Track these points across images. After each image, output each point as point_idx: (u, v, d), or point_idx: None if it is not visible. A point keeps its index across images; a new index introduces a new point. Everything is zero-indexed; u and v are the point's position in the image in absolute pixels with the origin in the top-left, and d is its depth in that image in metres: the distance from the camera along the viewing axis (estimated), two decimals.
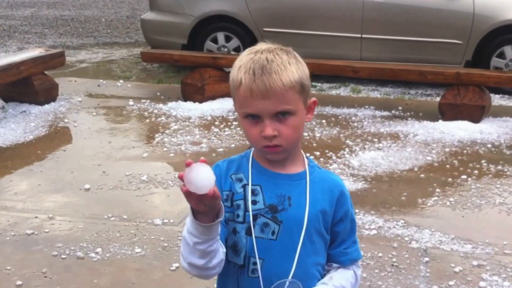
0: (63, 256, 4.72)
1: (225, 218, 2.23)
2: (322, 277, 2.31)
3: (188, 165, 1.93)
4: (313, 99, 2.26)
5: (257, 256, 2.21)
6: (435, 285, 4.47)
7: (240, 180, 2.26)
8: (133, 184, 6.09)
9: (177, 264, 4.59)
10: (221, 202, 2.04)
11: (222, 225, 2.20)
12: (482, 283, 4.50)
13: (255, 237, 2.22)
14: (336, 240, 2.34)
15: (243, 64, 2.14)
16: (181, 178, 1.94)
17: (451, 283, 4.50)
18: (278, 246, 2.22)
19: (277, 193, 2.24)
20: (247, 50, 2.19)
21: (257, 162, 2.28)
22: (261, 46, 2.19)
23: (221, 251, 2.16)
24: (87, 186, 6.00)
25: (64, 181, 6.16)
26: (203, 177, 1.93)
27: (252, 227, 2.21)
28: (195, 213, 2.04)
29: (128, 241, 4.98)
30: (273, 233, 2.22)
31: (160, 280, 4.45)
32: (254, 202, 2.23)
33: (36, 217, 5.34)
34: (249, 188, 2.24)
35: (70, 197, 5.81)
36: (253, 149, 2.30)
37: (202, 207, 2.00)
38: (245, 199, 2.24)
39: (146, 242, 4.97)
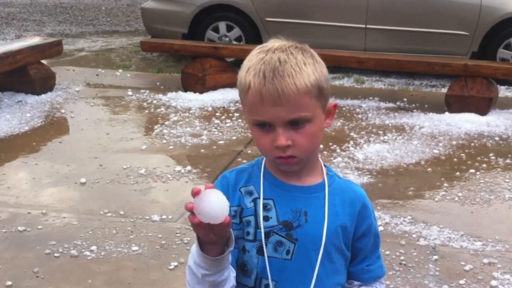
0: (56, 255, 4.51)
1: (235, 235, 2.01)
2: None
3: (196, 193, 1.74)
4: (333, 102, 2.02)
5: (269, 278, 2.00)
6: (445, 284, 4.28)
7: (250, 193, 2.04)
8: (131, 178, 5.88)
9: (175, 263, 4.39)
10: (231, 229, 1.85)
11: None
12: (493, 282, 4.31)
13: (268, 256, 1.99)
14: (357, 256, 2.12)
15: (252, 66, 1.90)
16: (191, 210, 1.74)
17: (461, 282, 4.31)
18: (294, 267, 2.00)
19: (292, 207, 2.00)
20: (258, 48, 1.96)
21: (269, 172, 2.06)
22: (273, 43, 1.95)
23: (232, 276, 1.95)
24: (83, 180, 5.78)
25: (60, 175, 5.94)
26: (217, 206, 1.74)
27: (264, 245, 1.99)
28: (202, 244, 1.85)
29: (124, 238, 4.77)
30: (287, 252, 1.99)
31: (157, 280, 4.24)
32: (266, 218, 2.00)
33: (29, 213, 5.13)
34: (261, 202, 2.02)
35: (65, 191, 5.60)
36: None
37: (212, 238, 1.81)
38: (256, 214, 2.01)
39: (143, 239, 4.75)
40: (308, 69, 1.88)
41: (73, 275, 4.27)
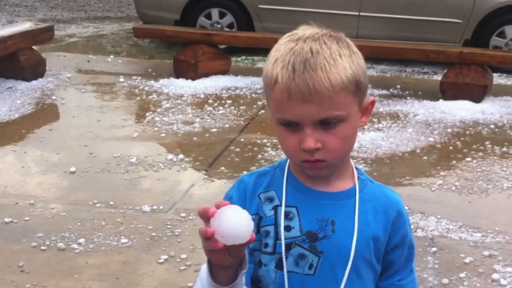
0: (42, 248, 4.25)
1: (251, 247, 1.77)
2: None
3: (212, 215, 1.51)
4: (371, 98, 1.76)
5: None
6: (444, 277, 4.06)
7: (271, 200, 1.78)
8: (122, 167, 5.62)
9: (165, 256, 4.15)
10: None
11: (249, 253, 1.76)
12: (495, 275, 4.09)
13: (287, 271, 1.74)
14: (388, 270, 1.85)
15: (280, 57, 1.63)
16: (212, 235, 1.50)
17: (461, 275, 4.09)
18: (316, 283, 1.74)
19: (317, 216, 1.74)
20: (286, 36, 1.68)
21: (294, 176, 1.79)
22: (304, 31, 1.67)
23: None
24: (72, 168, 5.52)
25: (49, 163, 5.68)
26: (242, 224, 1.52)
27: (284, 259, 1.73)
28: (213, 268, 1.62)
29: (113, 230, 4.51)
30: (310, 266, 1.73)
31: (147, 274, 3.99)
32: (287, 228, 1.74)
33: (16, 203, 4.86)
34: (282, 210, 1.76)
35: (54, 180, 5.34)
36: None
37: (228, 260, 1.57)
38: (276, 224, 1.75)
39: (133, 231, 4.50)
40: (344, 61, 1.61)
41: (60, 270, 4.02)
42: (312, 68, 1.57)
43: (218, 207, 1.52)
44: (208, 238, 1.51)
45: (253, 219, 1.69)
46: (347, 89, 1.60)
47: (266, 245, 1.75)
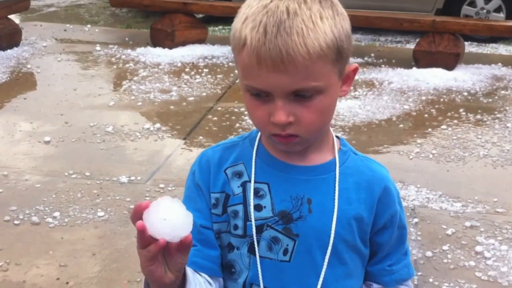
0: (16, 222, 3.91)
1: (216, 229, 1.48)
2: None
3: (145, 207, 1.20)
4: (354, 65, 1.43)
5: (261, 285, 1.45)
6: (428, 250, 3.79)
7: (239, 175, 1.48)
8: (98, 136, 5.27)
9: None
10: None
11: (213, 238, 1.49)
12: (478, 248, 3.82)
13: (260, 257, 1.44)
14: (377, 254, 1.55)
15: (251, 15, 1.31)
16: (142, 228, 1.19)
17: (445, 247, 3.83)
18: (293, 271, 1.44)
19: (291, 194, 1.44)
20: None
21: (265, 148, 1.49)
22: None
23: None
24: (47, 138, 5.16)
25: (23, 133, 5.32)
26: (179, 212, 1.21)
27: (256, 243, 1.44)
28: None
29: (90, 203, 4.18)
30: (285, 252, 1.44)
31: (124, 250, 3.66)
32: (258, 208, 1.44)
33: None
34: (252, 186, 1.45)
35: (28, 151, 4.98)
36: None
37: (167, 277, 1.27)
38: (245, 203, 1.45)
39: (110, 203, 4.17)
40: (325, 24, 1.29)
41: (33, 246, 3.68)
42: (287, 32, 1.26)
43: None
44: (144, 241, 1.20)
45: (217, 198, 1.45)
46: (327, 57, 1.30)
47: (236, 226, 1.46)
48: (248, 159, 1.48)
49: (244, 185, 1.46)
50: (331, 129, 1.51)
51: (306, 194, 1.44)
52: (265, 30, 1.27)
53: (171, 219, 1.19)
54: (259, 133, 1.50)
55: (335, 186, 1.45)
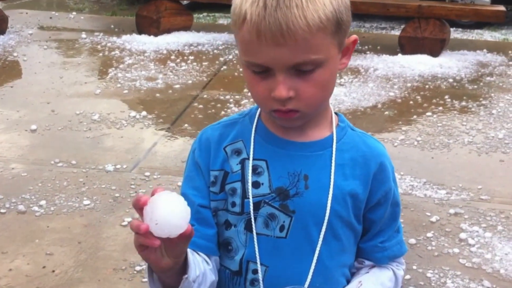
0: (2, 211, 3.89)
1: (213, 207, 1.49)
2: (348, 282, 1.55)
3: (143, 203, 1.21)
4: (353, 37, 1.45)
5: (258, 262, 1.46)
6: (411, 237, 3.79)
7: (238, 152, 1.49)
8: (84, 125, 5.26)
9: (129, 219, 3.82)
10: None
11: (210, 217, 1.50)
12: (462, 235, 3.83)
13: (257, 234, 1.45)
14: (370, 230, 1.55)
15: None
16: (145, 231, 1.21)
17: (429, 235, 3.84)
18: (289, 247, 1.46)
19: (288, 170, 1.45)
20: None
21: (264, 125, 1.50)
22: None
23: (208, 273, 1.45)
24: (33, 126, 5.15)
25: (9, 121, 5.30)
26: (176, 208, 1.21)
27: (253, 220, 1.45)
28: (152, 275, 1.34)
29: (76, 191, 4.17)
30: (281, 228, 1.45)
31: (110, 238, 3.66)
32: (256, 185, 1.45)
33: None
34: (250, 163, 1.46)
35: (14, 139, 4.96)
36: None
37: (167, 262, 1.29)
38: (243, 180, 1.46)
39: (96, 192, 4.17)
40: None
41: (19, 234, 3.67)
42: (286, 5, 1.27)
43: (153, 194, 1.23)
44: (141, 234, 1.21)
45: (215, 176, 1.46)
46: (326, 29, 1.31)
47: (234, 204, 1.48)
48: (247, 136, 1.49)
49: (243, 163, 1.47)
50: (330, 105, 1.52)
51: (303, 170, 1.45)
52: (264, 4, 1.28)
53: (169, 219, 1.20)
54: (259, 110, 1.51)
55: (331, 162, 1.46)
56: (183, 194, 1.47)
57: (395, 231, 1.60)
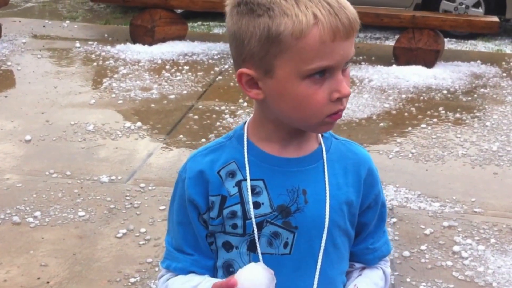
0: None
1: (210, 231, 1.53)
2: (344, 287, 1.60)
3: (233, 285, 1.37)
4: None
5: None
6: (405, 250, 3.85)
7: (233, 174, 1.50)
8: (79, 135, 5.30)
9: (124, 230, 3.87)
10: None
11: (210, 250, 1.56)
12: (455, 248, 3.89)
13: (262, 253, 1.48)
14: (361, 233, 1.61)
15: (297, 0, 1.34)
16: None
17: (422, 247, 3.89)
18: (293, 262, 1.49)
19: (287, 187, 1.47)
20: None
21: (254, 144, 1.51)
22: None
23: None
24: (28, 137, 5.18)
25: (3, 132, 5.33)
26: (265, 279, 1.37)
27: (257, 240, 1.47)
28: None
29: (71, 202, 4.21)
30: (285, 245, 1.48)
31: (105, 249, 3.70)
32: (256, 205, 1.47)
33: None
34: (248, 184, 1.48)
35: (9, 150, 5.00)
36: (246, 126, 1.52)
37: None
38: (242, 202, 1.48)
39: (91, 203, 4.21)
40: None
41: (14, 245, 3.71)
42: (343, 2, 1.35)
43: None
44: None
45: (212, 201, 1.48)
46: None
47: (235, 226, 1.49)
48: (239, 157, 1.50)
49: (239, 184, 1.49)
50: None
51: (301, 185, 1.48)
52: (328, 3, 1.32)
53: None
54: (245, 130, 1.52)
55: (324, 174, 1.50)
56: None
57: (382, 232, 1.65)
